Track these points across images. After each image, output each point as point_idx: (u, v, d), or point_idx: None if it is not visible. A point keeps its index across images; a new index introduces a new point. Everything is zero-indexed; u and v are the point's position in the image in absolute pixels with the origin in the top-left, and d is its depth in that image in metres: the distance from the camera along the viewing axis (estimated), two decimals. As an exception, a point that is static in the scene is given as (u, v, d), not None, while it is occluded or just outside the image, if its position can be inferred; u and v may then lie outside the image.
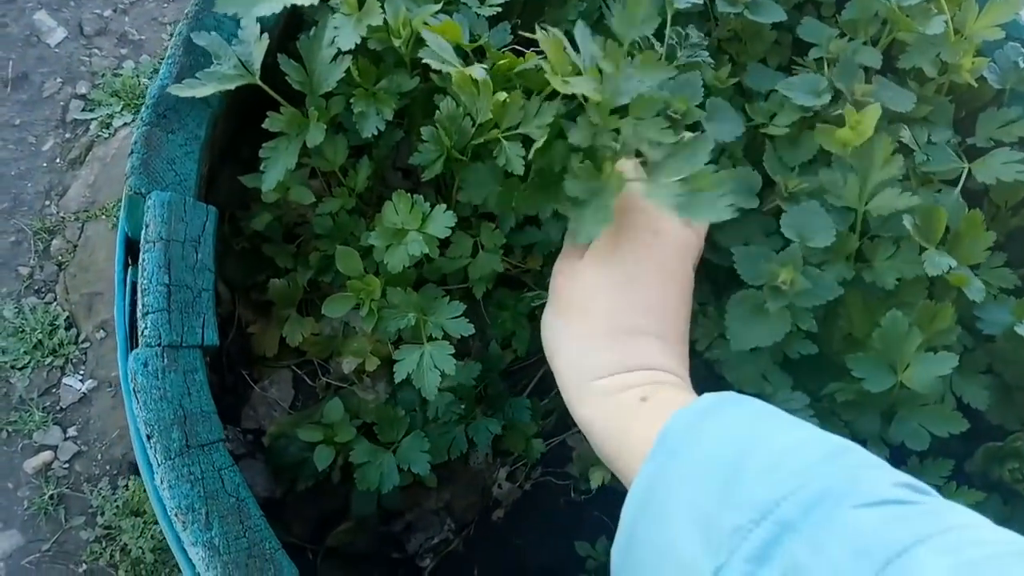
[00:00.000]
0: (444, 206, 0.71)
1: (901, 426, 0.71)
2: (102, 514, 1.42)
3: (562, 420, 0.88)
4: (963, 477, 0.76)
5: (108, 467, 1.48)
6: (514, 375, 0.93)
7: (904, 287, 0.70)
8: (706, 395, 0.50)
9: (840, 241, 0.68)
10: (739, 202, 0.68)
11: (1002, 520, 0.73)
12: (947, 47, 0.75)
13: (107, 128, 1.76)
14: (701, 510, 0.41)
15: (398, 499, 0.81)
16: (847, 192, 0.65)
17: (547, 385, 0.89)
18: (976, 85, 0.78)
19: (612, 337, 0.57)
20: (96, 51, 1.87)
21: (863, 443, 0.69)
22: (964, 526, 0.38)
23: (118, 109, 1.77)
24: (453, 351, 0.68)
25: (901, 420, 0.71)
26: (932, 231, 0.67)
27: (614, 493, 0.87)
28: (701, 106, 0.72)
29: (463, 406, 0.77)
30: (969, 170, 0.75)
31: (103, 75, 1.83)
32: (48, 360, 1.52)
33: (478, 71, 0.66)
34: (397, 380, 0.67)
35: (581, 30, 0.66)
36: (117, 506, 1.42)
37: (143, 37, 1.90)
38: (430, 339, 0.70)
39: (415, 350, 0.69)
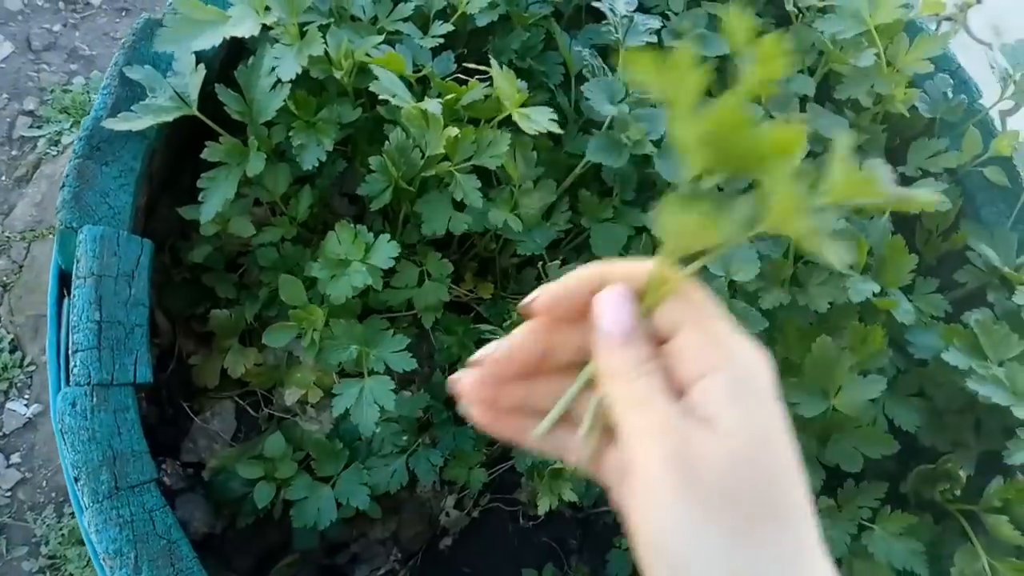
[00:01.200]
0: (388, 236, 0.71)
1: (836, 448, 0.72)
2: (46, 544, 1.37)
3: (509, 447, 0.88)
4: (898, 499, 0.78)
5: (53, 495, 1.43)
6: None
7: (836, 311, 0.72)
8: None
9: (775, 268, 0.70)
10: None
11: (934, 539, 0.75)
12: (880, 79, 0.77)
13: (55, 145, 1.71)
14: None
15: (341, 531, 0.80)
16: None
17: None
18: (908, 115, 0.81)
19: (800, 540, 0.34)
20: (45, 67, 1.83)
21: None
22: None
23: (67, 126, 1.73)
24: (394, 386, 0.67)
25: (836, 443, 0.72)
26: (855, 258, 0.69)
27: (561, 518, 0.88)
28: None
29: (405, 437, 0.77)
30: (899, 199, 0.77)
31: (52, 91, 1.79)
32: (-9, 384, 1.47)
33: (432, 105, 0.66)
34: (335, 414, 0.66)
35: None
36: (62, 535, 1.38)
37: (94, 52, 1.86)
38: (371, 373, 0.69)
39: (354, 384, 0.68)
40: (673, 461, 0.32)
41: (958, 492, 0.74)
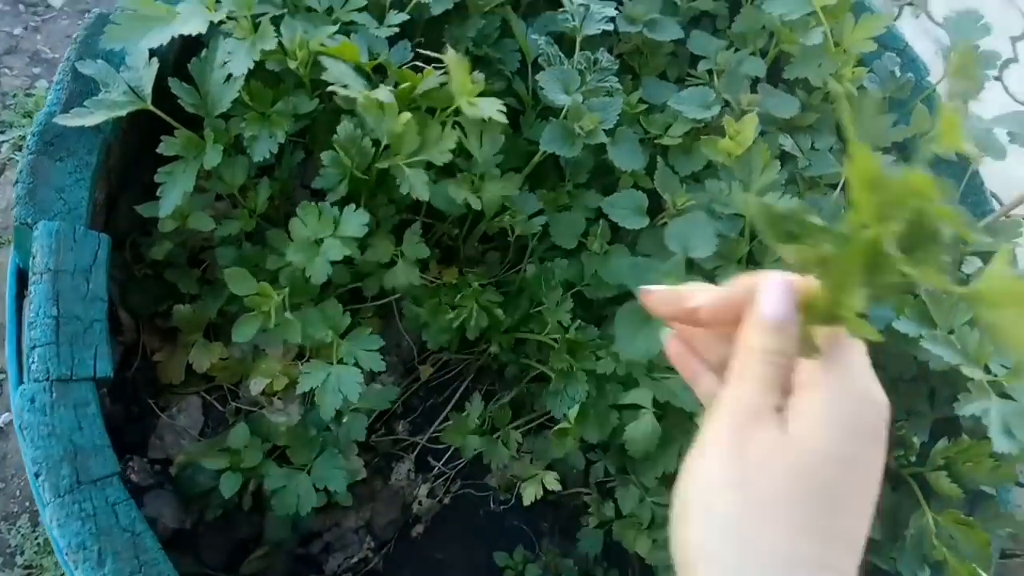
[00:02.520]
0: (354, 206, 0.71)
1: None
2: (21, 553, 1.36)
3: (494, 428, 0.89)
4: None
5: (27, 504, 1.41)
6: (437, 388, 0.93)
7: None
8: None
9: (730, 246, 0.71)
10: (631, 223, 0.70)
11: (893, 505, 0.77)
12: (827, 58, 0.79)
13: (20, 150, 1.69)
14: None
15: (315, 521, 0.80)
16: (732, 200, 0.68)
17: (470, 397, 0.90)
18: (857, 94, 0.83)
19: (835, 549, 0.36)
20: (6, 71, 1.80)
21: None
22: None
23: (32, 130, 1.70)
24: (361, 379, 0.68)
25: None
26: None
27: (533, 500, 0.88)
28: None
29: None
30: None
31: (15, 95, 1.76)
32: (-40, 394, 1.45)
33: (384, 94, 0.67)
34: (299, 391, 0.67)
35: None
36: (38, 544, 1.37)
37: (56, 55, 1.84)
38: (340, 362, 0.70)
39: (324, 368, 0.68)
40: (732, 437, 0.36)
41: (913, 458, 0.76)
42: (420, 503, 0.87)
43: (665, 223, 0.72)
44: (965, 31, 0.80)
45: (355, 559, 0.83)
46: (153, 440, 0.79)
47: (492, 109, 0.70)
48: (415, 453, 0.88)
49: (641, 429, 0.66)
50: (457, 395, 0.90)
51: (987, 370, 0.68)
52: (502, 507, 0.90)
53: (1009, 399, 0.64)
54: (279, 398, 0.80)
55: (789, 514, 0.35)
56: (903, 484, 0.76)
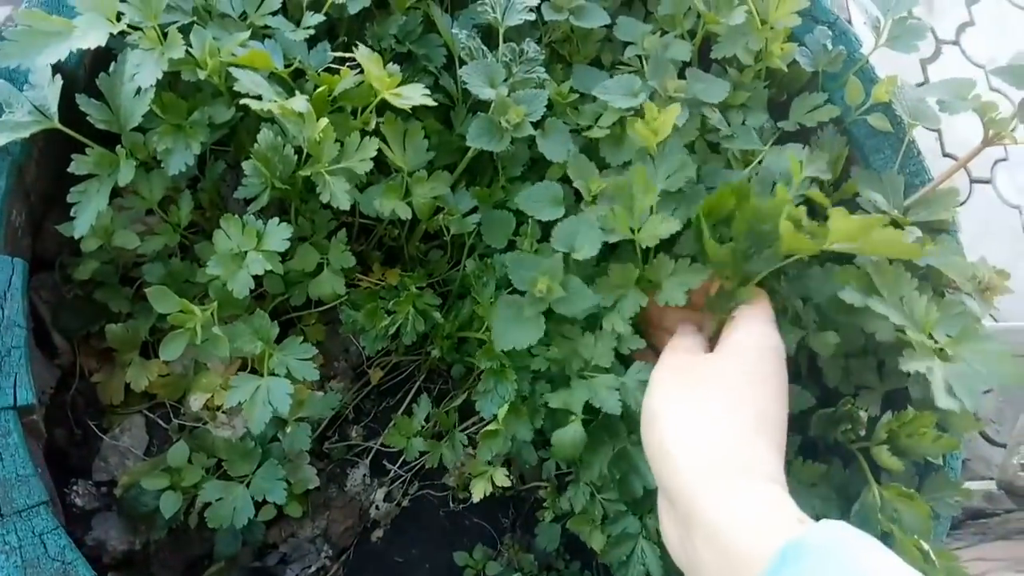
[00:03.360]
0: (277, 219, 0.70)
1: None
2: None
3: (442, 431, 0.88)
4: (812, 447, 0.80)
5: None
6: (390, 391, 0.92)
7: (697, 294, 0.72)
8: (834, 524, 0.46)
9: (627, 273, 0.69)
10: (546, 215, 0.69)
11: (844, 481, 0.77)
12: (754, 35, 0.78)
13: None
14: None
15: (269, 534, 0.80)
16: (618, 224, 0.66)
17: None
18: (787, 70, 0.82)
19: (760, 439, 0.54)
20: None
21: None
22: None
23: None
24: (292, 390, 0.67)
25: None
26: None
27: (492, 499, 0.88)
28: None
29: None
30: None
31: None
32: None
33: (299, 102, 0.65)
34: (227, 407, 0.66)
35: None
36: None
37: None
38: (272, 373, 0.69)
39: (252, 380, 0.67)
40: (679, 363, 0.61)
41: (861, 432, 0.76)
42: (377, 507, 0.87)
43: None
44: (894, 1, 0.79)
45: (313, 569, 0.82)
46: (97, 463, 0.78)
47: (417, 95, 0.69)
48: (370, 458, 0.88)
49: (568, 435, 0.66)
50: (409, 397, 0.90)
51: (931, 338, 0.67)
52: (461, 506, 0.89)
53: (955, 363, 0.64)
54: (223, 412, 0.79)
55: (724, 409, 0.54)
56: (853, 460, 0.76)
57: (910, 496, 0.66)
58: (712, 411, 0.55)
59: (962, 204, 2.24)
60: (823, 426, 0.76)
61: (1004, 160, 2.31)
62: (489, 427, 0.70)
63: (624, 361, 0.69)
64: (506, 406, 0.68)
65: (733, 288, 0.65)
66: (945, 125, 0.88)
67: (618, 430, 0.70)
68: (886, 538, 0.69)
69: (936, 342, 0.67)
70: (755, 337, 0.60)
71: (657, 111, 0.65)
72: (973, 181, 2.27)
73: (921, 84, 2.32)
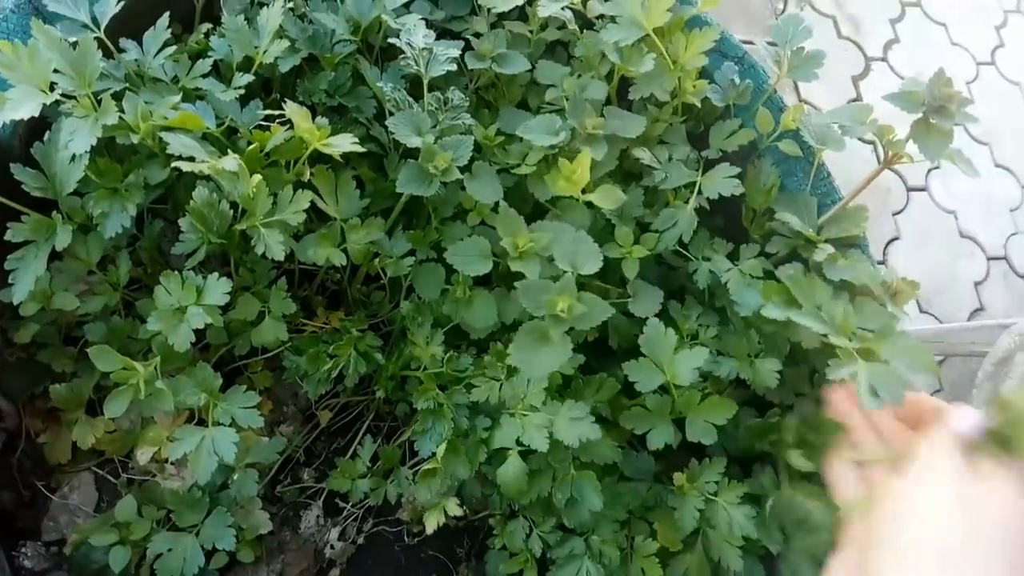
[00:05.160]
0: (217, 274, 0.72)
1: (692, 427, 0.76)
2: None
3: (388, 468, 0.90)
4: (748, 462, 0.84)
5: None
6: (340, 431, 0.94)
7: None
8: None
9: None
10: (474, 270, 0.72)
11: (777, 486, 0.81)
12: (666, 77, 0.83)
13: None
14: None
15: (219, 582, 0.81)
16: None
17: (373, 437, 0.91)
18: (700, 105, 0.87)
19: None
20: None
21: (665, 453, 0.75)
22: None
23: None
24: (237, 439, 0.69)
25: (691, 423, 0.76)
26: None
27: (446, 530, 0.90)
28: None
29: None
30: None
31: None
32: None
33: (229, 161, 0.68)
34: (172, 458, 0.67)
35: None
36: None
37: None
38: (215, 424, 0.71)
39: (196, 432, 0.69)
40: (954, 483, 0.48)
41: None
42: (332, 547, 0.88)
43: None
44: (790, 34, 0.85)
45: (269, 613, 0.83)
46: (46, 523, 0.79)
47: (346, 143, 0.72)
48: (323, 499, 0.89)
49: (510, 470, 0.69)
50: (359, 437, 0.92)
51: (851, 340, 0.71)
52: (416, 539, 0.91)
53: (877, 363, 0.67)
54: (172, 463, 0.80)
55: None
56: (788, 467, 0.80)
57: (817, 494, 0.69)
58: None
59: (900, 212, 2.34)
60: (751, 438, 0.80)
61: (937, 168, 2.42)
62: (427, 466, 0.72)
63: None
64: (444, 444, 0.70)
65: None
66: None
67: (564, 456, 0.72)
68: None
69: (857, 342, 0.70)
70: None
71: (572, 164, 0.69)
72: (910, 190, 2.38)
73: (853, 100, 2.44)
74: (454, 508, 0.83)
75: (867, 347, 0.68)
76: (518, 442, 0.69)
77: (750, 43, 0.89)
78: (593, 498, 0.74)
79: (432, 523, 0.84)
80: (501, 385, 0.73)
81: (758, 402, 0.85)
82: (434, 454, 0.72)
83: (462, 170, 0.77)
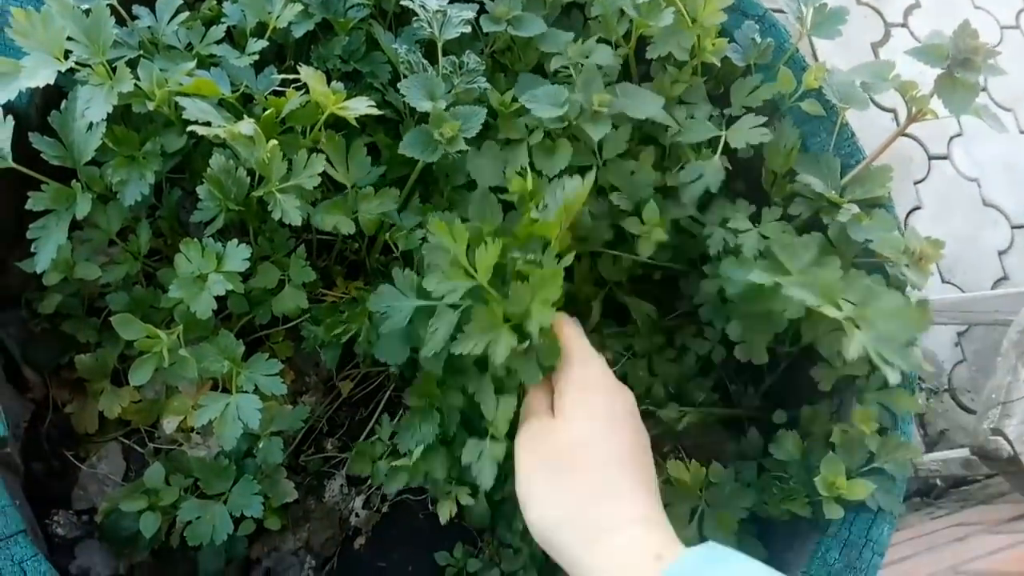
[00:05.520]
0: (236, 241, 0.72)
1: None
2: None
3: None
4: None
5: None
6: (362, 400, 0.95)
7: None
8: (695, 552, 0.50)
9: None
10: None
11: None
12: (684, 34, 0.81)
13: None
14: None
15: (246, 549, 0.81)
16: None
17: (394, 408, 0.91)
18: (720, 65, 0.85)
19: (616, 486, 0.56)
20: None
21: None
22: None
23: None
24: (261, 405, 0.69)
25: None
26: None
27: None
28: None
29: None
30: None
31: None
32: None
33: (245, 126, 0.68)
34: (197, 425, 0.68)
35: None
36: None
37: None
38: (241, 391, 0.71)
39: (221, 399, 0.69)
40: (530, 440, 0.61)
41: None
42: (357, 515, 0.89)
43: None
44: (811, -9, 0.83)
45: (296, 580, 0.84)
46: (76, 492, 0.80)
47: (362, 107, 0.71)
48: (346, 468, 0.90)
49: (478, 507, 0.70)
50: (381, 406, 0.92)
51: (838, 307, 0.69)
52: (440, 507, 0.91)
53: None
54: (197, 432, 0.81)
55: (576, 475, 0.56)
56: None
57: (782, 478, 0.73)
58: (565, 483, 0.56)
59: (921, 181, 2.30)
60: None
61: (959, 135, 2.37)
62: (397, 463, 0.72)
63: None
64: (421, 447, 0.71)
65: None
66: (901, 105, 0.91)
67: None
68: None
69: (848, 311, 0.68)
70: (590, 387, 0.61)
71: (534, 183, 0.67)
72: (931, 158, 2.33)
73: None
74: (466, 498, 0.82)
75: (857, 315, 0.65)
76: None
77: (778, 10, 0.87)
78: None
79: (445, 513, 0.83)
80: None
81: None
82: (410, 451, 0.72)
83: (470, 142, 0.75)
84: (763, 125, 0.85)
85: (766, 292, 0.68)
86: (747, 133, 0.81)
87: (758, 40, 0.87)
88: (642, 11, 0.79)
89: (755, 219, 0.85)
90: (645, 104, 0.78)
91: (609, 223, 0.83)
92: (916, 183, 2.29)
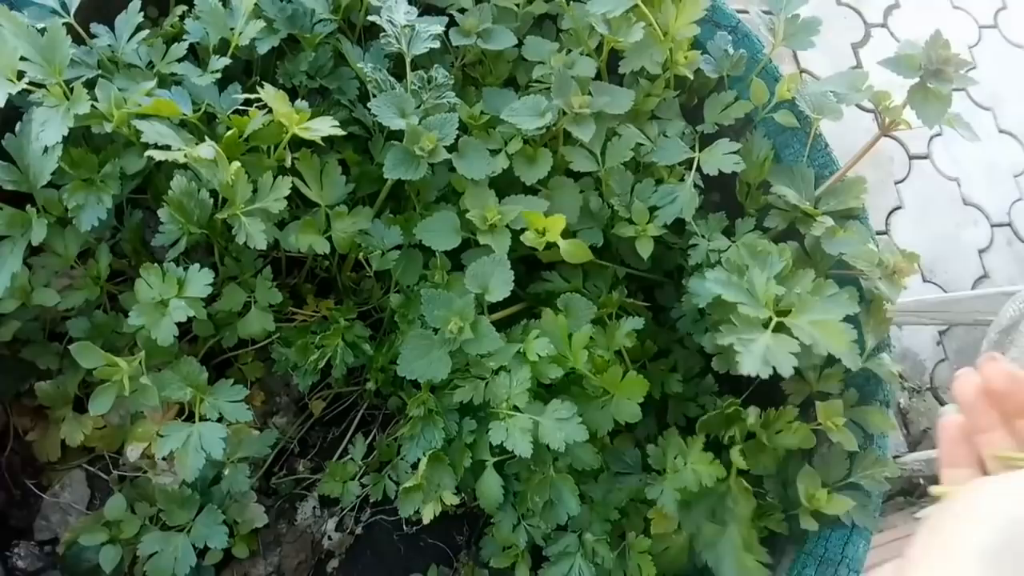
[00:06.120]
0: (199, 265, 0.70)
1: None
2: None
3: (384, 461, 0.89)
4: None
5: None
6: (334, 420, 0.93)
7: None
8: None
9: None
10: (441, 244, 0.70)
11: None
12: (656, 48, 0.80)
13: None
14: None
15: (220, 576, 0.80)
16: None
17: (367, 427, 0.90)
18: (692, 77, 0.84)
19: None
20: None
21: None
22: None
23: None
24: (225, 434, 0.67)
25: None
26: None
27: (445, 517, 0.89)
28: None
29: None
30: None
31: None
32: None
33: (205, 149, 0.66)
34: (159, 456, 0.66)
35: None
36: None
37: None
38: (203, 419, 0.69)
39: (183, 429, 0.68)
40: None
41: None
42: (329, 538, 0.87)
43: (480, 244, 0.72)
44: (785, 1, 0.82)
45: (268, 606, 0.82)
46: (39, 522, 0.78)
47: (326, 127, 0.69)
48: (318, 489, 0.88)
49: (487, 484, 0.68)
50: (353, 427, 0.90)
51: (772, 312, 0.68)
52: (415, 528, 0.90)
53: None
54: (163, 459, 0.79)
55: None
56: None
57: (748, 491, 0.72)
58: None
59: (902, 181, 2.31)
60: (709, 427, 0.78)
61: (939, 135, 2.38)
62: (408, 484, 0.71)
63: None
64: (427, 456, 0.69)
65: None
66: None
67: (544, 458, 0.71)
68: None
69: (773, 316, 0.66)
70: None
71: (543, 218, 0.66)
72: (912, 157, 2.34)
73: (854, 68, 2.39)
74: (451, 498, 0.82)
75: (785, 320, 0.64)
76: (501, 448, 0.68)
77: (744, 12, 0.85)
78: (570, 501, 0.73)
79: (428, 514, 0.82)
80: (487, 383, 0.71)
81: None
82: (418, 462, 0.71)
83: (449, 149, 0.74)
84: (736, 137, 0.84)
85: (727, 303, 0.68)
86: (720, 159, 0.80)
87: (731, 51, 0.86)
88: (612, 27, 0.78)
89: (729, 232, 0.84)
90: (622, 100, 0.77)
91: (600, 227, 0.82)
92: (897, 183, 2.29)
